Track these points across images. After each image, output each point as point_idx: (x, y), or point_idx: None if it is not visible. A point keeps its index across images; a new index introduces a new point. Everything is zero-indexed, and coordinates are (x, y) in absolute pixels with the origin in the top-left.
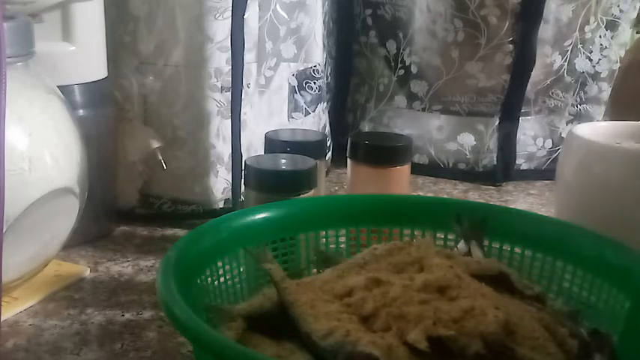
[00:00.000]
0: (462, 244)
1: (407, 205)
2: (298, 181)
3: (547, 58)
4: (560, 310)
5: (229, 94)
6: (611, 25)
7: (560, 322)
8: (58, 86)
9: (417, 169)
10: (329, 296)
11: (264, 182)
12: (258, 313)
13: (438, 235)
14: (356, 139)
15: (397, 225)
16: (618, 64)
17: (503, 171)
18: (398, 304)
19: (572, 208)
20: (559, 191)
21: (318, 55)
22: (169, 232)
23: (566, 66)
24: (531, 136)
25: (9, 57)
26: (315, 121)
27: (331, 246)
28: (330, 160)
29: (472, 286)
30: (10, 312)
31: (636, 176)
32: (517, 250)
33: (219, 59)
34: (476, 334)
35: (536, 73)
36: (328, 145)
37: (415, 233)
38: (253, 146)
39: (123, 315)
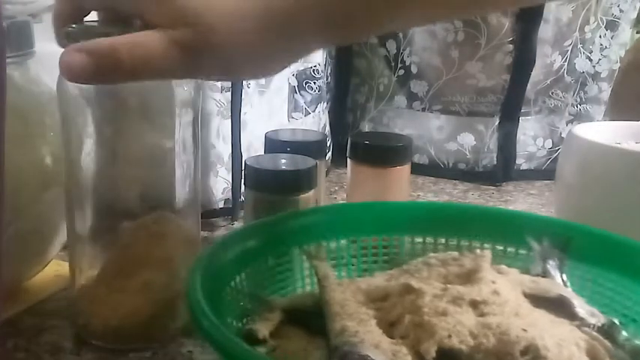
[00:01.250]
0: (537, 264)
1: (471, 215)
2: (298, 181)
3: (547, 58)
4: (634, 348)
5: (229, 94)
6: (611, 25)
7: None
8: None
9: (417, 169)
10: (364, 299)
11: (264, 182)
12: (297, 308)
13: (507, 248)
14: (356, 139)
15: (457, 235)
16: (618, 64)
17: (503, 171)
18: (422, 313)
19: (572, 208)
20: (559, 191)
21: (318, 55)
22: None
23: (566, 66)
24: (531, 136)
25: (9, 57)
26: (315, 121)
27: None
28: (330, 160)
29: (509, 304)
30: (10, 312)
31: (636, 176)
32: (598, 273)
33: None
34: (491, 352)
35: (536, 73)
36: (328, 145)
37: (474, 245)
38: (253, 146)
39: None
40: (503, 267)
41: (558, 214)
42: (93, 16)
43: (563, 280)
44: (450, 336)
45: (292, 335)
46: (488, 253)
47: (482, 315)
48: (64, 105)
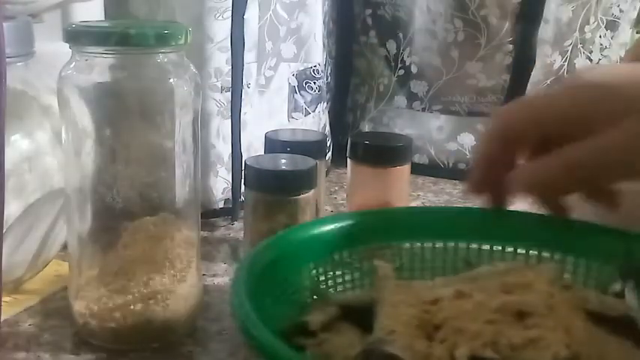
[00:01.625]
0: (617, 282)
1: (559, 228)
2: (298, 181)
3: (547, 58)
4: None
5: (229, 94)
6: (611, 25)
7: None
8: None
9: (417, 169)
10: (416, 301)
11: (264, 182)
12: (353, 305)
13: (588, 263)
14: (356, 139)
15: (530, 245)
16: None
17: None
18: (464, 318)
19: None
20: None
21: (318, 55)
22: None
23: (566, 66)
24: None
25: (9, 57)
26: (315, 121)
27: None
28: (330, 160)
29: (560, 319)
30: (10, 312)
31: None
32: None
33: (219, 59)
34: None
35: (536, 73)
36: (328, 145)
37: (543, 255)
38: (253, 146)
39: None
40: (570, 282)
41: None
42: (93, 16)
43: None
44: (485, 344)
45: (344, 330)
46: (551, 266)
47: (527, 327)
48: (64, 105)
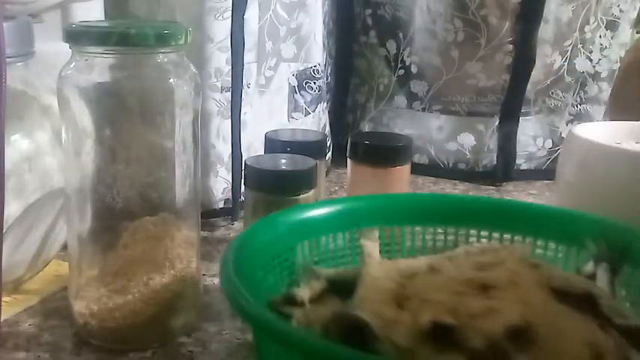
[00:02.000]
0: (589, 265)
1: (532, 213)
2: (298, 181)
3: (547, 58)
4: None
5: (229, 94)
6: (611, 25)
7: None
8: None
9: (417, 169)
10: (396, 276)
11: (264, 182)
12: (340, 279)
13: (558, 246)
14: (356, 139)
15: (512, 231)
16: (618, 64)
17: (503, 171)
18: (432, 290)
19: (572, 208)
20: (559, 191)
21: (318, 55)
22: None
23: (566, 66)
24: (531, 136)
25: (9, 57)
26: (315, 121)
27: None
28: (330, 160)
29: (520, 293)
30: (10, 312)
31: (636, 176)
32: None
33: (219, 59)
34: (481, 332)
35: (536, 73)
36: (328, 145)
37: (515, 239)
38: (253, 146)
39: None
40: (539, 261)
41: None
42: (93, 16)
43: (612, 283)
44: (447, 311)
45: (329, 301)
46: (524, 247)
47: (489, 299)
48: (64, 105)
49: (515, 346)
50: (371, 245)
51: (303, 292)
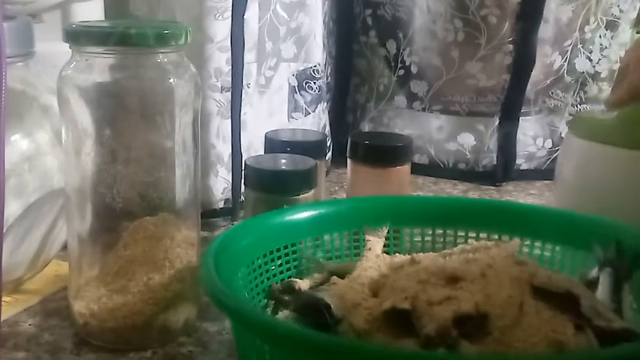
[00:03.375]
0: (594, 270)
1: (540, 216)
2: (298, 181)
3: (547, 58)
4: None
5: (229, 94)
6: (611, 25)
7: None
8: None
9: (417, 169)
10: (384, 268)
11: (264, 182)
12: (341, 272)
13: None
14: (356, 139)
15: (518, 234)
16: (618, 64)
17: (503, 171)
18: (403, 279)
19: (571, 208)
20: (559, 191)
21: (318, 55)
22: None
23: (566, 66)
24: (531, 136)
25: (9, 57)
26: (315, 121)
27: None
28: (330, 160)
29: (488, 285)
30: (10, 312)
31: (635, 177)
32: None
33: (219, 59)
34: (432, 319)
35: (536, 73)
36: (328, 145)
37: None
38: (253, 146)
39: None
40: (526, 259)
41: None
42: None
43: (615, 288)
44: (406, 298)
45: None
46: (514, 243)
47: (454, 290)
48: (64, 105)
49: (466, 333)
50: (374, 241)
51: (302, 282)
